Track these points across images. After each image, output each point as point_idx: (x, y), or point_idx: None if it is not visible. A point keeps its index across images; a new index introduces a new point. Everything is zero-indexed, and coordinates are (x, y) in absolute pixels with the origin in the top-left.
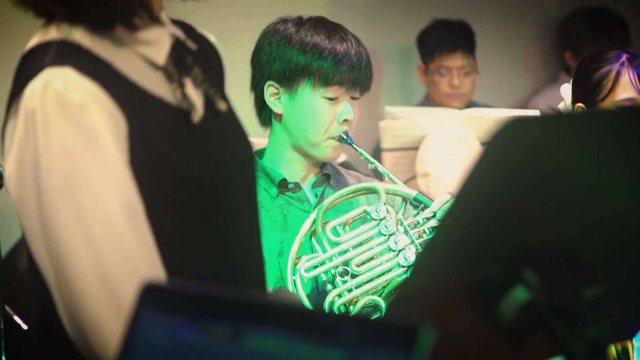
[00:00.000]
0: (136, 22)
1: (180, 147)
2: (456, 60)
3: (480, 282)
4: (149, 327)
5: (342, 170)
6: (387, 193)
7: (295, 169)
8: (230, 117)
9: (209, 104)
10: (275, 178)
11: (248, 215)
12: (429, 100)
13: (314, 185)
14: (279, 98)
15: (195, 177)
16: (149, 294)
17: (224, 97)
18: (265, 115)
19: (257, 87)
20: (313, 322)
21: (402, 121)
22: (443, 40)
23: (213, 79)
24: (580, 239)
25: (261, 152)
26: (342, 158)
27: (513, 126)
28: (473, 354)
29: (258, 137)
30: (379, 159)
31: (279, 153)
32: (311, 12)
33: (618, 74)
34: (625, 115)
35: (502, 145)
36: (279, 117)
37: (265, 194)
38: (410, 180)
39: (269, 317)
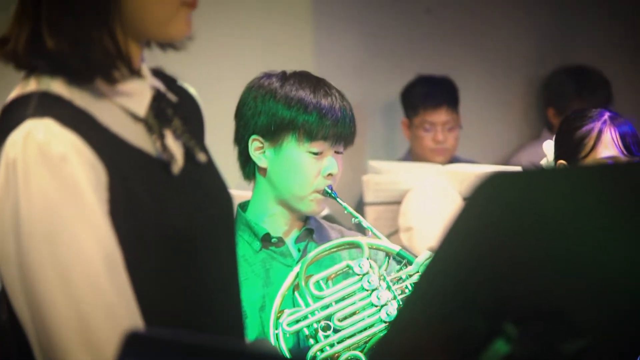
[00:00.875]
0: (115, 76)
1: (160, 197)
2: (440, 116)
3: (461, 335)
4: None
5: (326, 224)
6: (371, 248)
7: (278, 223)
8: (210, 169)
9: (189, 155)
10: (259, 232)
11: (227, 266)
12: (412, 155)
13: (297, 240)
14: (264, 152)
15: (175, 228)
16: (132, 343)
17: (204, 149)
18: (249, 169)
19: (241, 141)
20: None
21: (385, 175)
22: (428, 95)
23: (193, 130)
24: (563, 292)
25: (245, 205)
26: (325, 212)
27: (493, 180)
28: None
29: (241, 190)
30: (362, 213)
31: (263, 207)
32: (297, 66)
33: (600, 132)
34: (605, 171)
35: (481, 200)
36: (264, 171)
37: (248, 248)
38: (393, 234)
39: None
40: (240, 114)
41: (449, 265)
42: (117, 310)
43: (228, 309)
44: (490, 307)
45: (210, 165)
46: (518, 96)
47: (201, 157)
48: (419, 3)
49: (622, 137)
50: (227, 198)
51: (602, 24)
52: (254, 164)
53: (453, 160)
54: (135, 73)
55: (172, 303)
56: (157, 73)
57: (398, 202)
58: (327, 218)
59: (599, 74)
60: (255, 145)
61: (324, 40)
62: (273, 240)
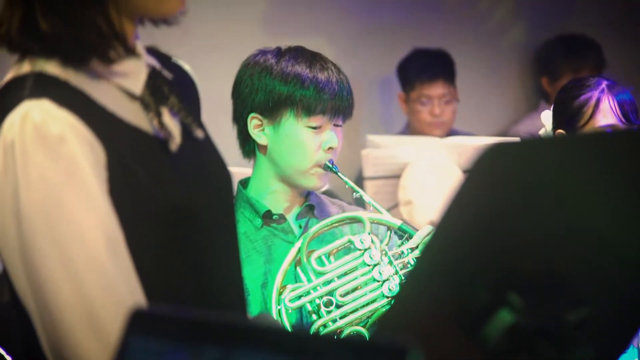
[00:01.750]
0: (111, 55)
1: (158, 175)
2: (437, 89)
3: (465, 306)
4: (138, 353)
5: (326, 199)
6: (372, 222)
7: (279, 200)
8: (208, 145)
9: (186, 132)
10: (260, 209)
11: (227, 241)
12: (410, 129)
13: (298, 216)
14: (263, 130)
15: (174, 204)
16: (137, 320)
17: (201, 125)
18: (248, 147)
19: (240, 120)
20: (302, 345)
21: (384, 150)
22: (424, 69)
23: (189, 107)
24: (565, 262)
25: (245, 182)
26: (324, 187)
27: (494, 151)
28: None
29: (241, 167)
30: (362, 187)
31: (264, 184)
32: (293, 42)
33: (598, 101)
34: (605, 139)
35: (483, 171)
36: (264, 148)
37: (249, 225)
38: (393, 208)
39: (259, 341)
40: (237, 93)
41: (451, 238)
42: (119, 288)
43: (229, 285)
44: (494, 278)
45: (208, 142)
46: (515, 68)
47: (198, 133)
48: None
49: (620, 105)
50: (226, 174)
51: None
52: (254, 141)
53: (451, 133)
54: (131, 51)
55: (173, 280)
56: (152, 51)
57: (397, 176)
58: (327, 193)
59: (588, 38)
60: (254, 123)
61: (319, 14)
62: (274, 217)
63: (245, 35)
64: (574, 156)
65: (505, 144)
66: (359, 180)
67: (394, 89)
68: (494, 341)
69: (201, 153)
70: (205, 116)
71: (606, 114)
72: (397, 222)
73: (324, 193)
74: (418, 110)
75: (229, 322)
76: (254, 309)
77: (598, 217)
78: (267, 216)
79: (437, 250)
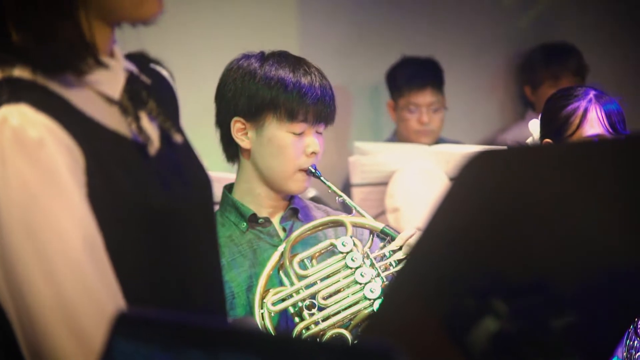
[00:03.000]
0: (82, 68)
1: (137, 178)
2: (425, 97)
3: (451, 312)
4: (123, 356)
5: (311, 204)
6: (354, 225)
7: (264, 204)
8: (187, 150)
9: (164, 136)
10: (246, 213)
11: (207, 244)
12: (398, 136)
13: (283, 220)
14: (246, 134)
15: (153, 208)
16: (122, 324)
17: (180, 130)
18: (232, 151)
19: (223, 124)
20: (286, 349)
21: (372, 157)
22: (412, 76)
23: (168, 112)
24: (550, 268)
25: (230, 187)
26: (312, 193)
27: (480, 158)
28: None
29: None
30: (349, 194)
31: (248, 188)
32: (281, 48)
33: (585, 111)
34: (591, 147)
35: (469, 178)
36: (247, 152)
37: (234, 229)
38: (380, 215)
39: (243, 346)
40: (221, 96)
41: (436, 244)
42: (98, 291)
43: (209, 288)
44: (479, 285)
45: (187, 147)
46: (502, 77)
47: (177, 137)
48: None
49: (608, 115)
50: (205, 178)
51: (582, 3)
52: (237, 145)
53: (439, 141)
54: (101, 64)
55: (152, 284)
56: (131, 56)
57: (384, 184)
58: (314, 199)
59: (568, 45)
60: (237, 127)
61: (309, 22)
62: (260, 220)
63: (236, 38)
64: (559, 164)
65: (491, 152)
66: (346, 187)
67: (382, 96)
68: (480, 347)
69: (180, 157)
70: (192, 121)
71: (593, 124)
72: (380, 225)
73: (311, 199)
74: (406, 118)
75: (214, 327)
76: (239, 312)
77: (583, 224)
78: (253, 220)
79: (422, 256)
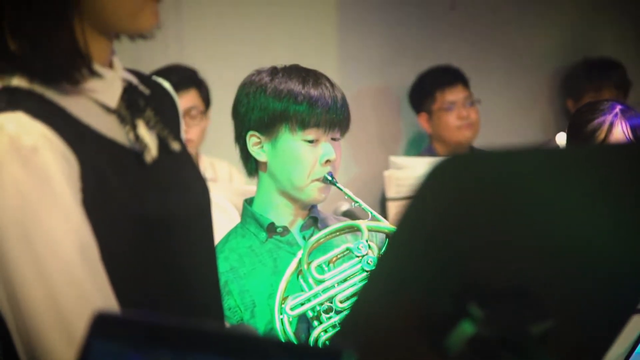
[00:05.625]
0: (76, 77)
1: (133, 186)
2: (459, 93)
3: (428, 314)
4: (99, 356)
5: (330, 214)
6: (370, 230)
7: (283, 214)
8: (185, 159)
9: (163, 145)
10: (264, 223)
11: (203, 255)
12: (438, 143)
13: (302, 229)
14: (262, 147)
15: (149, 215)
16: (99, 324)
17: (178, 139)
18: (251, 165)
19: (240, 139)
20: (247, 348)
21: (407, 170)
22: (441, 77)
23: (167, 122)
24: (529, 273)
25: (251, 200)
26: (344, 207)
27: (453, 161)
28: None
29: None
30: (384, 208)
31: (267, 199)
32: (321, 61)
33: (611, 125)
34: (577, 152)
35: (441, 178)
36: (264, 165)
37: (254, 239)
38: None
39: (208, 345)
40: (236, 112)
41: (409, 244)
42: (92, 295)
43: (204, 297)
44: (455, 288)
45: (185, 156)
46: (543, 91)
47: (175, 146)
48: None
49: (633, 130)
50: (203, 187)
51: (625, 17)
52: (255, 159)
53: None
54: (95, 73)
55: (147, 291)
56: (132, 71)
57: None
58: (347, 214)
59: (611, 59)
60: (252, 141)
61: (347, 35)
62: (278, 229)
63: (278, 53)
64: (537, 167)
65: (465, 155)
66: (382, 201)
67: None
68: (456, 350)
69: (178, 166)
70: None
71: (619, 138)
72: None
73: (344, 214)
74: (445, 118)
75: (181, 327)
76: (261, 320)
77: (563, 227)
78: (271, 229)
79: (397, 254)
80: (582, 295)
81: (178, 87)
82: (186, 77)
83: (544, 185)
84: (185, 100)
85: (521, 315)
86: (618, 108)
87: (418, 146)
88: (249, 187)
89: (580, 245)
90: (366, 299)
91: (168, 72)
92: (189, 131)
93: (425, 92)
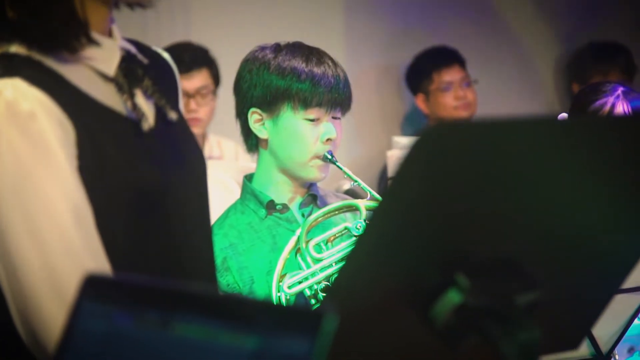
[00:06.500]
0: (75, 45)
1: (129, 154)
2: (455, 73)
3: (414, 284)
4: (89, 316)
5: (330, 191)
6: (368, 209)
7: (283, 191)
8: (183, 129)
9: (160, 115)
10: (263, 200)
11: (198, 225)
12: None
13: (302, 206)
14: (263, 124)
15: (145, 183)
16: (89, 286)
17: (176, 108)
18: (251, 141)
19: (241, 115)
20: (232, 309)
21: None
22: (438, 57)
23: (165, 91)
24: (518, 245)
25: (250, 176)
26: (346, 186)
27: (439, 128)
28: (409, 354)
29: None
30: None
31: (267, 176)
32: (327, 43)
33: (613, 107)
34: (565, 124)
35: (428, 147)
36: (265, 142)
37: (254, 216)
38: None
39: (194, 306)
40: (238, 88)
41: (396, 213)
42: (85, 259)
43: (198, 267)
44: (442, 258)
45: (182, 126)
46: (549, 75)
47: (172, 115)
48: None
49: (635, 111)
50: (199, 157)
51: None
52: (256, 136)
53: None
54: (93, 41)
55: (142, 256)
56: (131, 40)
57: None
58: (349, 192)
59: (618, 43)
60: (254, 118)
61: (353, 16)
62: (277, 206)
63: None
64: (527, 139)
65: (452, 122)
66: (385, 181)
67: None
68: (443, 319)
69: (175, 136)
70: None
71: None
72: None
73: (346, 192)
74: (442, 98)
75: (168, 289)
76: (259, 296)
77: (551, 200)
78: (271, 206)
79: (384, 222)
80: (569, 270)
81: (191, 67)
82: (198, 56)
83: (533, 157)
84: (197, 80)
85: (508, 285)
86: (620, 90)
87: (419, 127)
88: (255, 165)
89: (568, 220)
90: (353, 266)
91: (180, 49)
92: (199, 110)
93: (422, 73)
